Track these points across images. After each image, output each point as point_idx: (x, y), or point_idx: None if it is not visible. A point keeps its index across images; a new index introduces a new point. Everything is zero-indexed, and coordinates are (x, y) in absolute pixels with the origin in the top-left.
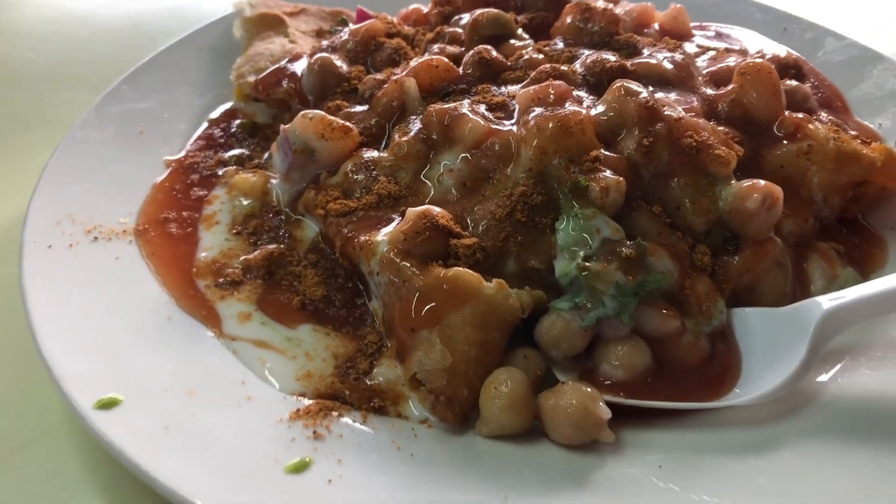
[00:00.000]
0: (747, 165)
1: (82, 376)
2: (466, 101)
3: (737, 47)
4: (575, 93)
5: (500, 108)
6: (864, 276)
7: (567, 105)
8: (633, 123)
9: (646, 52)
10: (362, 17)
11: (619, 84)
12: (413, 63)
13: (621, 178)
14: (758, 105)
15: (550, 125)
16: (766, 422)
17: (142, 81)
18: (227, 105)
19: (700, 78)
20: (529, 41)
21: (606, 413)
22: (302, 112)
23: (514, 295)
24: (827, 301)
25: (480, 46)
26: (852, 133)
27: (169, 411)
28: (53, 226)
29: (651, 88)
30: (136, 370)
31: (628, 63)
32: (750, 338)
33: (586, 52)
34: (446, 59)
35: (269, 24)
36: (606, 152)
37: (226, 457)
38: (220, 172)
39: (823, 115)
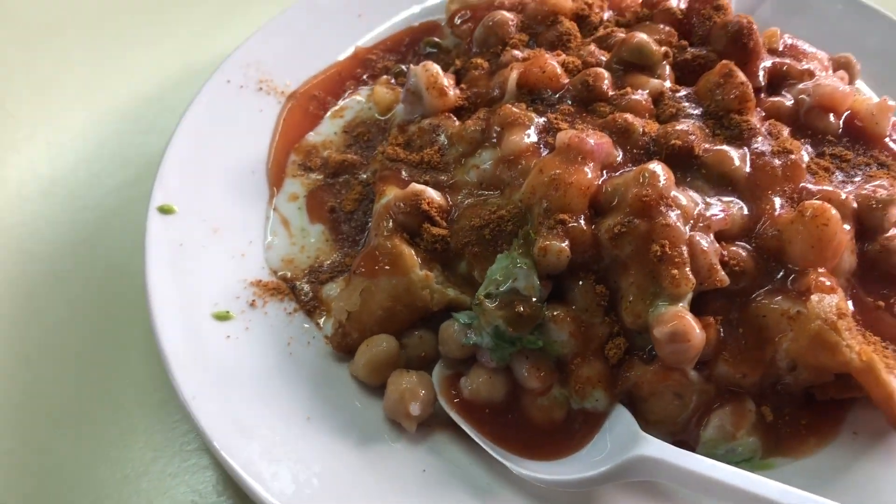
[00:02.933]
0: (738, 296)
1: (171, 179)
2: (539, 119)
3: None
4: (619, 152)
5: (556, 133)
6: (769, 454)
7: (584, 164)
8: (624, 208)
9: (757, 143)
10: None
11: (644, 167)
12: (546, 55)
13: (564, 248)
14: (795, 250)
15: (549, 172)
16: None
17: None
18: (437, 17)
19: (784, 194)
20: (657, 82)
21: (415, 411)
22: (425, 62)
23: (430, 289)
24: (649, 448)
25: (594, 69)
26: None
27: (191, 233)
28: (243, 66)
29: (701, 183)
30: (196, 192)
31: (700, 147)
32: (611, 434)
33: (694, 113)
34: (558, 68)
35: None
36: (579, 221)
37: (195, 282)
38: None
39: None
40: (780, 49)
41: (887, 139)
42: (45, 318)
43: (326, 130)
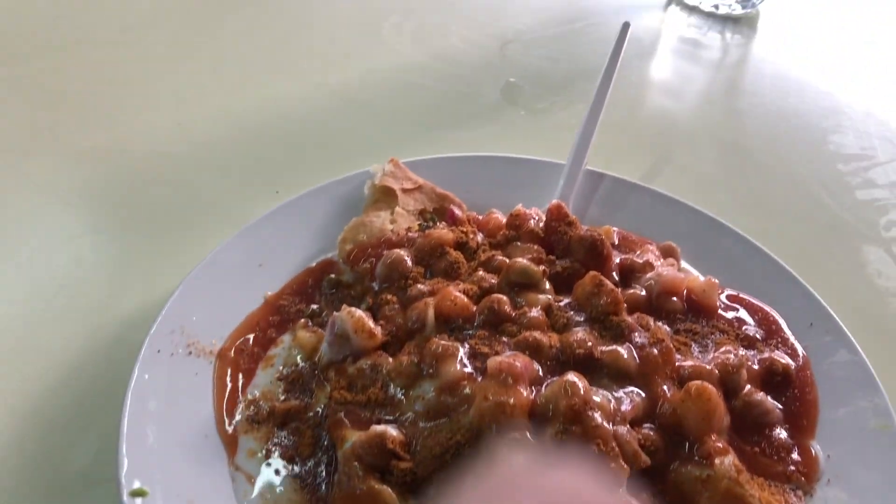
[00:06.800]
0: (656, 471)
1: (133, 463)
2: (462, 347)
3: (752, 333)
4: (537, 366)
5: (482, 358)
6: None
7: (517, 384)
8: (559, 416)
9: (635, 336)
10: (452, 217)
11: (565, 379)
12: (450, 286)
13: None
14: (689, 423)
15: (494, 399)
16: None
17: (280, 218)
18: (330, 255)
19: (666, 375)
20: (546, 296)
21: None
22: (348, 308)
23: None
24: None
25: (495, 296)
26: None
27: None
28: (169, 333)
29: (606, 380)
30: (160, 470)
31: (598, 350)
32: None
33: (581, 322)
34: (465, 298)
35: (387, 194)
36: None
37: None
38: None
39: (778, 433)
40: (616, 242)
41: (719, 310)
42: None
43: (262, 381)
